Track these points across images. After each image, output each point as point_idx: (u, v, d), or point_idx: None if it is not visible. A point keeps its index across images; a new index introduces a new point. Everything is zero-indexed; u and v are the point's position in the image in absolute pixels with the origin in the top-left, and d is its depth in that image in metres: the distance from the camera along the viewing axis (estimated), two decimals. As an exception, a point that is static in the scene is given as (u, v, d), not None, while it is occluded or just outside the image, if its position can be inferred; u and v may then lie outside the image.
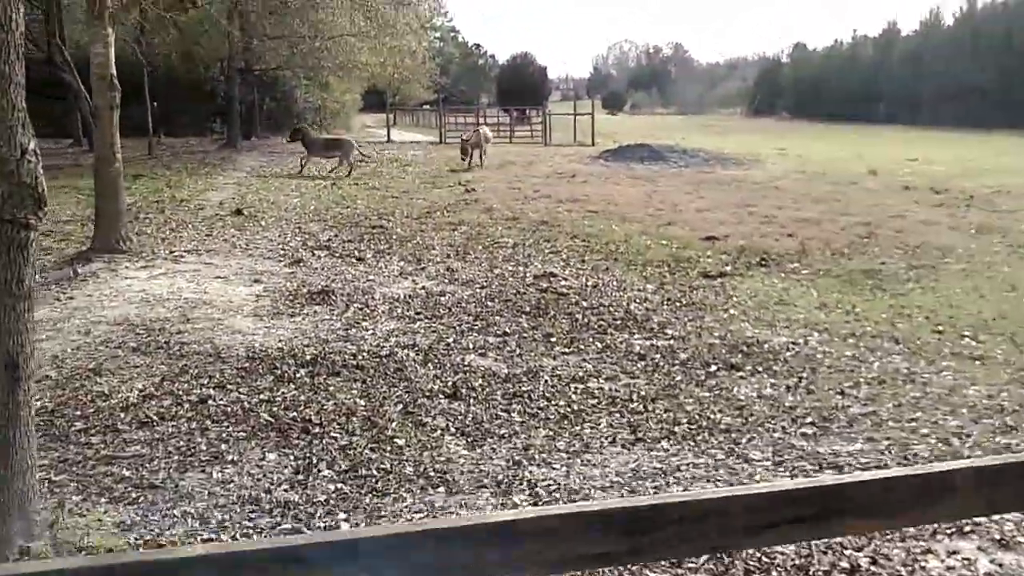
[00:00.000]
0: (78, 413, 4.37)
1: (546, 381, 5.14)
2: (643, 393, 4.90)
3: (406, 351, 5.75)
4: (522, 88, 61.29)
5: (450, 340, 6.06)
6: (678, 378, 5.20)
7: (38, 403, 4.51)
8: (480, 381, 5.14)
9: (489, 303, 7.20)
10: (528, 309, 6.96)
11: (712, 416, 4.59)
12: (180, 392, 4.76)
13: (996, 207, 12.22)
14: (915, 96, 44.56)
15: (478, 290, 7.70)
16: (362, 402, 4.70)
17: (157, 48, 28.71)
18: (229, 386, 4.91)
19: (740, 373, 5.31)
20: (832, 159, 21.05)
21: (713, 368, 5.39)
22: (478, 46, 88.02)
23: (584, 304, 7.11)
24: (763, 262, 8.88)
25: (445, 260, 9.14)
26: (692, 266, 8.68)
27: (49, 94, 28.24)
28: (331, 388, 4.92)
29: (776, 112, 58.71)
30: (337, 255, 9.32)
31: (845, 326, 6.43)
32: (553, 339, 6.08)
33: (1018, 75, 38.20)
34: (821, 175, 17.15)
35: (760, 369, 5.38)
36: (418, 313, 6.86)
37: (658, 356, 5.64)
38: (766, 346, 5.90)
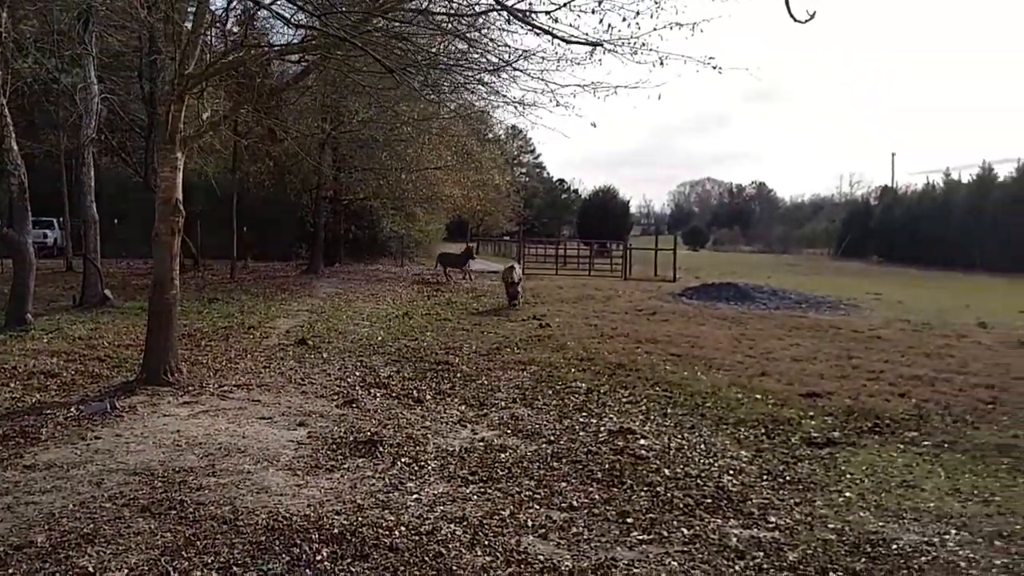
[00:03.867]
0: (42, 601, 3.61)
1: (619, 584, 4.13)
2: (745, 614, 3.84)
3: (452, 527, 4.84)
4: (603, 222, 61.79)
5: (506, 513, 5.13)
6: (788, 591, 4.11)
7: (2, 583, 3.79)
8: (537, 578, 4.17)
9: (555, 464, 6.26)
10: (600, 475, 5.99)
11: (838, 656, 3.48)
12: None
13: None
14: (1018, 242, 42.46)
15: (544, 446, 6.78)
16: (388, 603, 3.78)
17: (252, 177, 29.99)
18: (235, 568, 4.08)
19: (867, 587, 4.18)
20: (936, 308, 19.58)
21: (832, 578, 4.28)
22: (562, 181, 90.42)
23: (667, 473, 6.09)
24: (876, 428, 7.70)
25: (510, 405, 8.30)
26: (793, 429, 7.56)
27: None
28: (354, 580, 4.03)
29: (865, 254, 57.03)
30: (394, 395, 8.60)
31: (987, 521, 5.21)
32: (629, 520, 5.08)
33: None
34: (927, 326, 15.75)
35: (893, 583, 4.24)
36: (473, 473, 5.98)
37: (761, 555, 4.56)
38: (894, 547, 4.75)
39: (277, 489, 5.40)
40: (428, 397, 8.58)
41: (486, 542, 4.65)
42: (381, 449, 6.43)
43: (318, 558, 4.25)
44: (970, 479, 6.19)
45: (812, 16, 4.77)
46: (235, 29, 12.19)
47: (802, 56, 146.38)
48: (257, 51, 9.38)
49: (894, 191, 64.89)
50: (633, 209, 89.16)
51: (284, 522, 4.75)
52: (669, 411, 8.23)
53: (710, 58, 7.81)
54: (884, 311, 18.74)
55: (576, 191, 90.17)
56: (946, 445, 7.13)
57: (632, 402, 8.60)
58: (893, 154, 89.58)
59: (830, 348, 12.48)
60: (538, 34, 8.00)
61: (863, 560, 4.53)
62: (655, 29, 7.72)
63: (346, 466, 6.00)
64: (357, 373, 9.75)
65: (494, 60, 9.13)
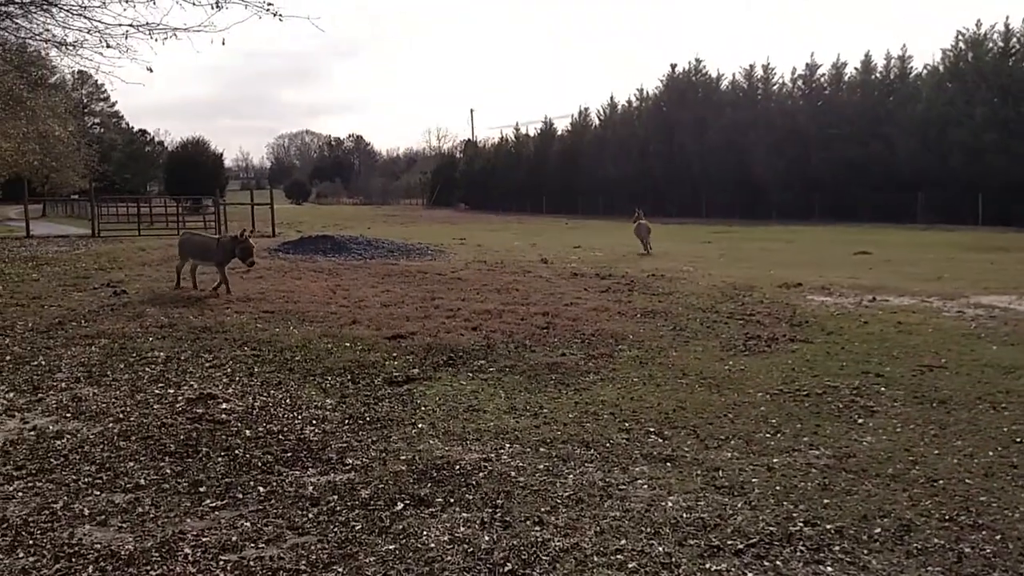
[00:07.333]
0: None
1: (186, 556, 3.94)
2: (313, 558, 3.91)
3: (-14, 533, 4.17)
4: (195, 176, 57.85)
5: (58, 506, 4.58)
6: (358, 527, 4.28)
7: None
8: (91, 569, 3.79)
9: (123, 443, 5.74)
10: (174, 448, 5.63)
11: (398, 579, 3.74)
12: None
13: (655, 291, 13.18)
14: (571, 187, 49.37)
15: (110, 426, 6.17)
16: None
17: None
18: None
19: (430, 509, 4.54)
20: (509, 248, 21.95)
21: (400, 507, 4.57)
22: (144, 132, 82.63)
23: (248, 433, 5.95)
24: (451, 361, 8.38)
25: (73, 386, 7.39)
26: (378, 371, 7.89)
27: None
28: None
29: (454, 203, 61.66)
30: (-86, 392, 7.12)
31: (535, 432, 6.01)
32: (203, 488, 4.86)
33: (652, 168, 44.00)
34: (501, 265, 17.59)
35: (452, 500, 4.67)
36: (20, 468, 5.22)
37: (335, 498, 4.69)
38: (457, 467, 5.24)
39: None
40: (-37, 389, 7.26)
41: (31, 541, 4.10)
42: None
43: None
44: (525, 396, 7.05)
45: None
46: None
47: (383, 14, 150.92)
48: None
49: (475, 144, 70.87)
50: (230, 162, 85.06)
51: None
52: (256, 370, 8.03)
53: (269, 4, 7.58)
54: (466, 254, 20.46)
55: (162, 143, 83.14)
56: (507, 369, 8.03)
57: (216, 366, 8.22)
58: (472, 110, 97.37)
59: (416, 292, 13.26)
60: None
61: (429, 485, 4.91)
62: (208, -32, 7.23)
63: None
64: None
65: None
